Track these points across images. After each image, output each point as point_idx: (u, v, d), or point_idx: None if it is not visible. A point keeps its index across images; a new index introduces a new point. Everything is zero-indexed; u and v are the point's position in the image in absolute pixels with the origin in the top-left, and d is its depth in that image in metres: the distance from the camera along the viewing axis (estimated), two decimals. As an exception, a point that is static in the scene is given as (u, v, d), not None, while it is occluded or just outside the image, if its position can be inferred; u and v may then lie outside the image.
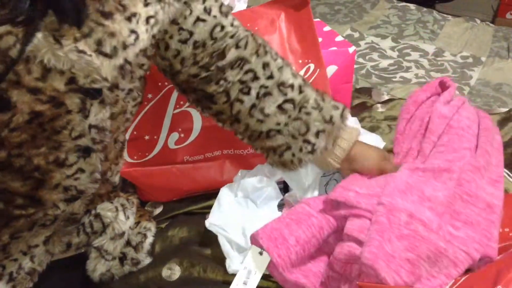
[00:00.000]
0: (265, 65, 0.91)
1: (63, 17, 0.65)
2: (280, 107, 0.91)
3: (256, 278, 0.84)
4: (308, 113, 0.92)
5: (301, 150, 0.92)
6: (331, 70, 1.32)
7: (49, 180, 0.74)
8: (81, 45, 0.67)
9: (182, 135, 1.10)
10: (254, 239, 0.85)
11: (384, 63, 1.91)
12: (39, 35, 0.63)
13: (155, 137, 1.11)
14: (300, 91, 0.92)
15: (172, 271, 0.95)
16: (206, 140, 1.12)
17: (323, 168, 0.98)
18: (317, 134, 0.92)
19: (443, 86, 1.05)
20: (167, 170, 1.11)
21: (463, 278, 0.76)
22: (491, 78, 1.86)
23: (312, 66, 1.20)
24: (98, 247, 0.91)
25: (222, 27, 0.88)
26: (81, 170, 0.76)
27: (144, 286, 0.94)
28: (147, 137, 1.11)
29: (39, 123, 0.68)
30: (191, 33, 0.86)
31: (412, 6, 2.40)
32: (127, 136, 1.10)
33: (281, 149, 0.93)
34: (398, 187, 0.83)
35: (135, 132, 1.10)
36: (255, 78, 0.91)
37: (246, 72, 0.91)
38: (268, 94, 0.91)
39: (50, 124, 0.69)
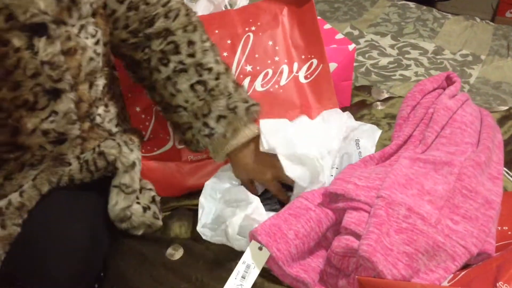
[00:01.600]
0: (190, 43, 0.94)
1: None
2: (192, 86, 0.93)
3: (254, 273, 0.84)
4: (214, 97, 0.94)
5: (199, 131, 0.95)
6: (331, 67, 1.32)
7: (24, 126, 0.77)
8: None
9: None
10: (253, 236, 0.85)
11: (384, 61, 1.90)
12: None
13: (168, 137, 1.12)
14: (217, 78, 0.95)
15: (177, 252, 0.96)
16: None
17: (217, 158, 1.00)
18: (217, 119, 0.94)
19: (448, 81, 1.06)
20: (171, 167, 1.12)
21: (462, 273, 0.76)
22: (491, 76, 1.85)
23: (315, 61, 1.20)
24: (116, 185, 0.94)
25: None
26: (55, 113, 0.79)
27: (150, 264, 0.95)
28: (161, 135, 1.13)
29: None
30: None
31: (412, 4, 2.39)
32: (148, 133, 1.13)
33: (184, 127, 0.96)
34: (398, 180, 0.83)
35: (151, 136, 1.14)
36: (177, 52, 0.94)
37: (169, 44, 0.93)
38: (184, 70, 0.94)
39: (2, 64, 0.71)
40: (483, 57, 1.98)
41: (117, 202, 0.93)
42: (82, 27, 0.82)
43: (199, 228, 0.96)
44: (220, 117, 0.94)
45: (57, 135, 0.82)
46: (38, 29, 0.73)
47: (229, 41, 1.16)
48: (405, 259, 0.75)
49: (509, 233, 0.90)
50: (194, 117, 0.94)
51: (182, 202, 1.10)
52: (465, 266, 0.79)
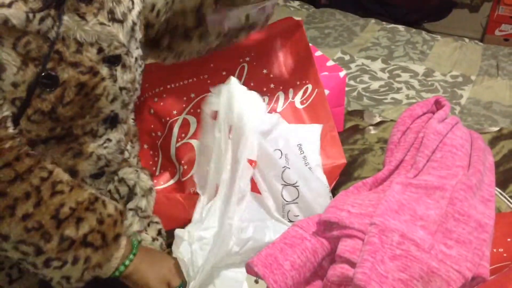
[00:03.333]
0: None
1: None
2: None
3: None
4: None
5: None
6: (323, 94, 1.35)
7: (85, 149, 0.85)
8: (100, 18, 0.79)
9: (185, 167, 1.12)
10: (249, 268, 0.84)
11: (375, 84, 1.93)
12: (65, 17, 0.75)
13: (175, 170, 1.15)
14: None
15: None
16: None
17: None
18: None
19: (438, 105, 1.07)
20: (175, 199, 1.12)
21: (457, 298, 0.76)
22: (482, 96, 1.87)
23: (310, 86, 1.22)
24: (132, 208, 0.97)
25: None
26: (109, 140, 0.88)
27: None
28: (169, 169, 1.16)
29: (85, 93, 0.79)
30: None
31: (401, 27, 2.43)
32: (158, 168, 1.16)
33: None
34: (391, 206, 0.84)
35: (161, 171, 1.15)
36: None
37: None
38: None
39: (93, 93, 0.80)
40: (473, 77, 2.00)
41: (131, 224, 0.96)
42: (135, 59, 0.90)
43: None
44: None
45: (105, 163, 0.89)
46: (115, 60, 0.83)
47: (224, 73, 1.18)
48: (400, 286, 0.75)
49: (504, 255, 0.90)
50: None
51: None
52: (461, 291, 0.79)
